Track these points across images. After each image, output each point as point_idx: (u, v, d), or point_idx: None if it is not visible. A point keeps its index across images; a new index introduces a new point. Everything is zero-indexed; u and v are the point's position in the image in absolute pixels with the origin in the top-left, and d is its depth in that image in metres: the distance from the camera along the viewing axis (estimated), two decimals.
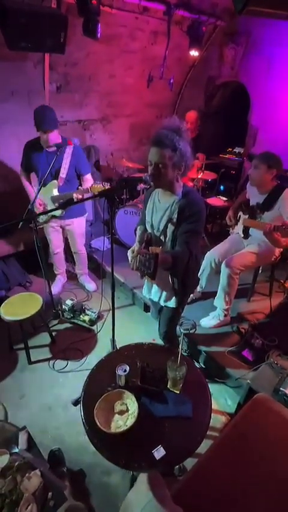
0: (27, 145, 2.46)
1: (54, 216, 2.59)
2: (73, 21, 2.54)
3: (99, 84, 3.70)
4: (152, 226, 1.63)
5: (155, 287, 1.77)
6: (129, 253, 1.51)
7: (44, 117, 2.22)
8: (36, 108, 2.24)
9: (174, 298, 1.71)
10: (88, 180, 2.57)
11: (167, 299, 1.73)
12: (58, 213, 2.52)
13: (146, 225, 1.69)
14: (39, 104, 3.39)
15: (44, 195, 2.49)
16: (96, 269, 3.35)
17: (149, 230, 1.67)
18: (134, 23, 3.26)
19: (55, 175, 2.43)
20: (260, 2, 1.12)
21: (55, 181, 2.43)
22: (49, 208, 2.50)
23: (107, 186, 2.11)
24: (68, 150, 2.40)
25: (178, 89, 4.49)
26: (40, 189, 2.43)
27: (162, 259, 1.35)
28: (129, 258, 1.47)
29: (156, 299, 1.80)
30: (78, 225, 2.77)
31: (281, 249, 2.38)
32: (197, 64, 4.18)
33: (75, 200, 2.37)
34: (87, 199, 2.23)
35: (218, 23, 3.55)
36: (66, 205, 2.50)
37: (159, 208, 1.57)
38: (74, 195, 2.37)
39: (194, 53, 3.42)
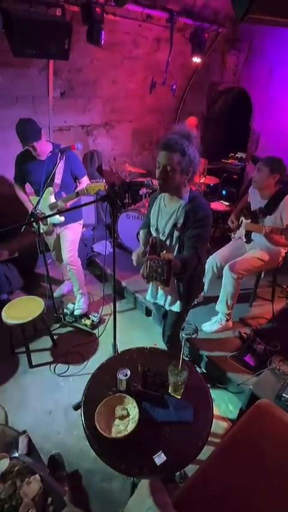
0: (18, 157, 2.40)
1: (55, 224, 2.53)
2: (77, 28, 2.58)
3: (103, 90, 3.75)
4: (157, 230, 1.63)
5: (160, 291, 1.77)
6: (133, 256, 1.50)
7: (24, 133, 2.16)
8: (16, 124, 2.18)
9: (178, 302, 1.70)
10: (84, 182, 2.48)
11: (172, 303, 1.73)
12: (58, 219, 2.45)
13: (151, 229, 1.69)
14: (43, 110, 3.43)
15: (41, 204, 2.40)
16: (98, 273, 3.36)
17: (154, 234, 1.66)
18: (137, 30, 3.31)
19: (50, 182, 2.34)
20: (261, 10, 1.13)
21: (50, 188, 2.35)
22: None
23: (102, 182, 2.05)
24: (61, 155, 2.30)
25: (180, 94, 4.54)
26: (40, 199, 2.35)
27: (173, 264, 1.34)
28: (134, 261, 1.44)
29: (161, 303, 1.79)
30: (71, 231, 2.64)
31: (283, 255, 2.38)
32: (199, 70, 4.23)
33: (75, 195, 2.31)
34: (90, 203, 2.18)
35: (220, 30, 3.60)
36: (66, 210, 2.39)
37: (165, 212, 1.57)
38: (77, 191, 2.31)
39: (196, 59, 3.47)
